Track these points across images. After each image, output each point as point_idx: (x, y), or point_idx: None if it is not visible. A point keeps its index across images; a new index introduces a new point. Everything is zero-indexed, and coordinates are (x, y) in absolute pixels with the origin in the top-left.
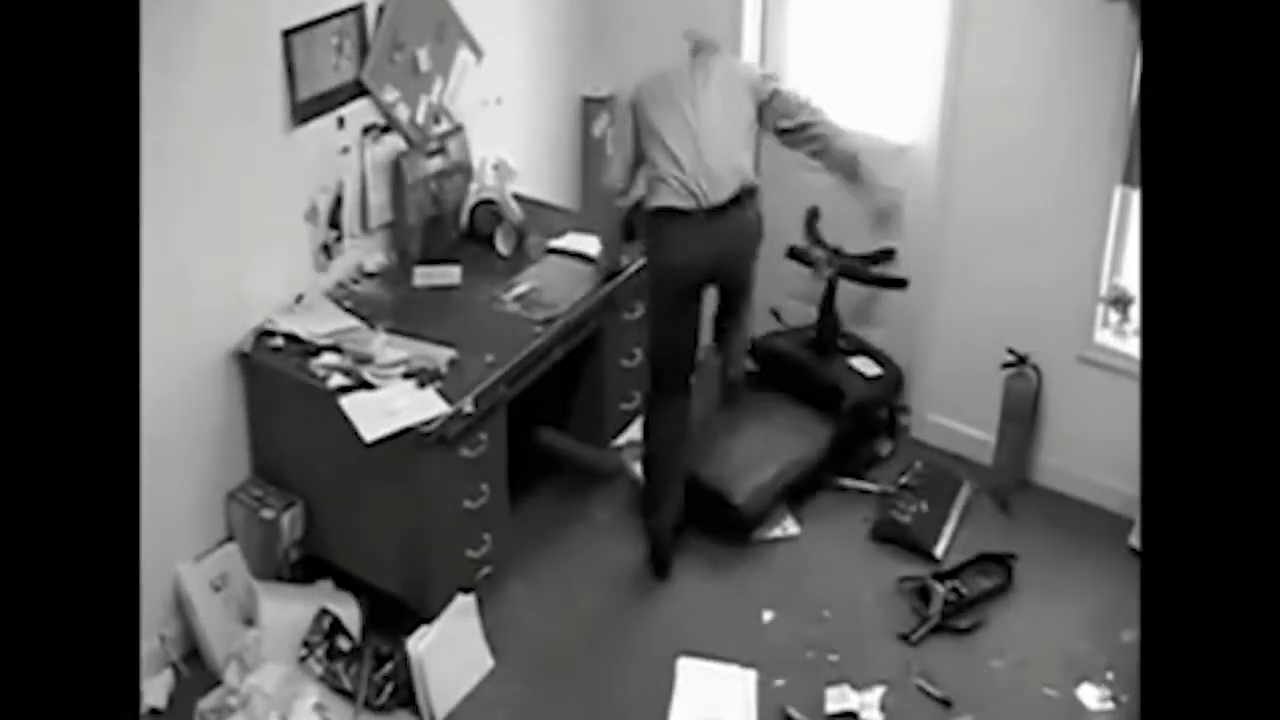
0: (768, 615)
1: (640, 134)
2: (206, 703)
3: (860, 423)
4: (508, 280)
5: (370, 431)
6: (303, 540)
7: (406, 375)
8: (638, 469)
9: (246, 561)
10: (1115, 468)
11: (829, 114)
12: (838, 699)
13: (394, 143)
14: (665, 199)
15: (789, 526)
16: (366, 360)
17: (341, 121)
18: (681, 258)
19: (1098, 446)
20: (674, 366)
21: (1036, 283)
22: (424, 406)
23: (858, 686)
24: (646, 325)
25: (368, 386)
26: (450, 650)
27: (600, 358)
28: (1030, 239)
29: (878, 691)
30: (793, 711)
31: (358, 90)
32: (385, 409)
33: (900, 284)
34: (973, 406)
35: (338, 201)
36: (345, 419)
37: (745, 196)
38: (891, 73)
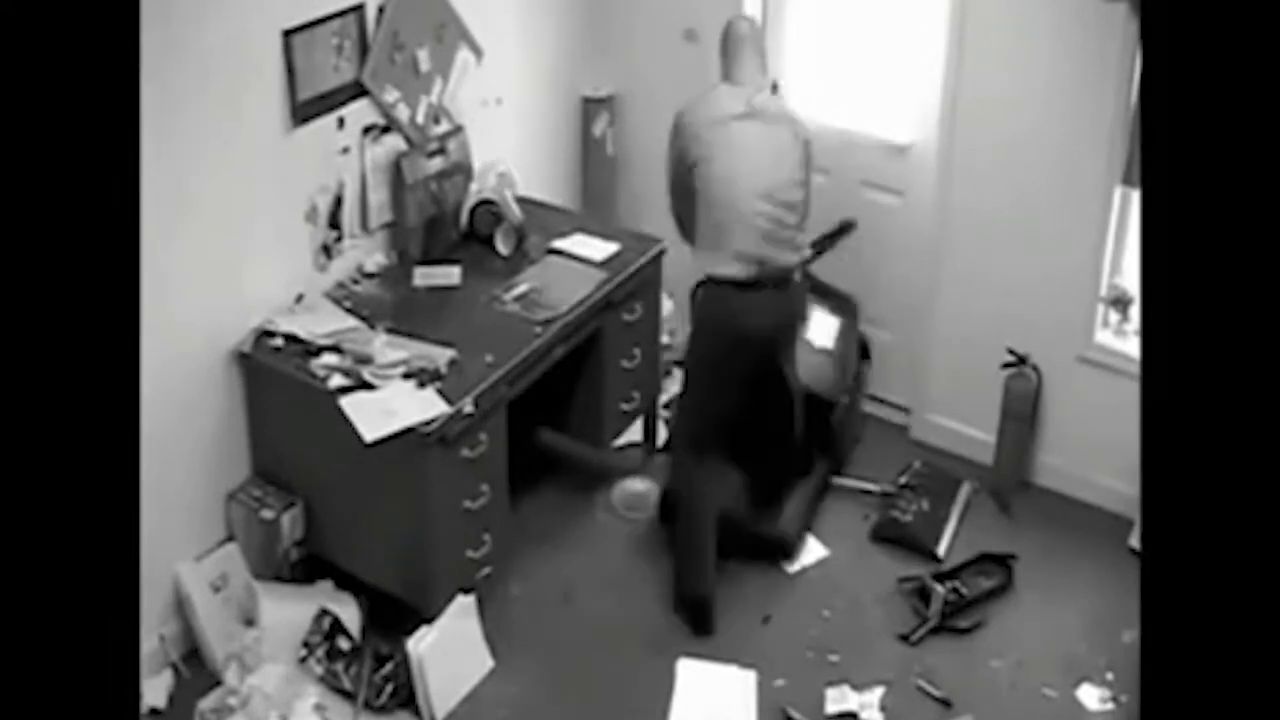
0: (768, 616)
1: (686, 171)
2: (206, 703)
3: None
4: (508, 280)
5: (370, 432)
6: (303, 540)
7: (406, 375)
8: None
9: (246, 561)
10: (1115, 468)
11: None
12: (838, 699)
13: (394, 143)
14: (730, 268)
15: (817, 549)
16: (366, 360)
17: (341, 121)
18: (750, 327)
19: (1098, 446)
20: (716, 435)
21: (1036, 283)
22: (424, 406)
23: (858, 687)
24: (688, 394)
25: (368, 386)
26: (450, 650)
27: (600, 358)
28: (1030, 239)
29: (878, 692)
30: (793, 712)
31: (358, 90)
32: (385, 409)
33: (847, 226)
34: (973, 406)
35: (338, 201)
36: (345, 419)
37: (798, 270)
38: (891, 72)
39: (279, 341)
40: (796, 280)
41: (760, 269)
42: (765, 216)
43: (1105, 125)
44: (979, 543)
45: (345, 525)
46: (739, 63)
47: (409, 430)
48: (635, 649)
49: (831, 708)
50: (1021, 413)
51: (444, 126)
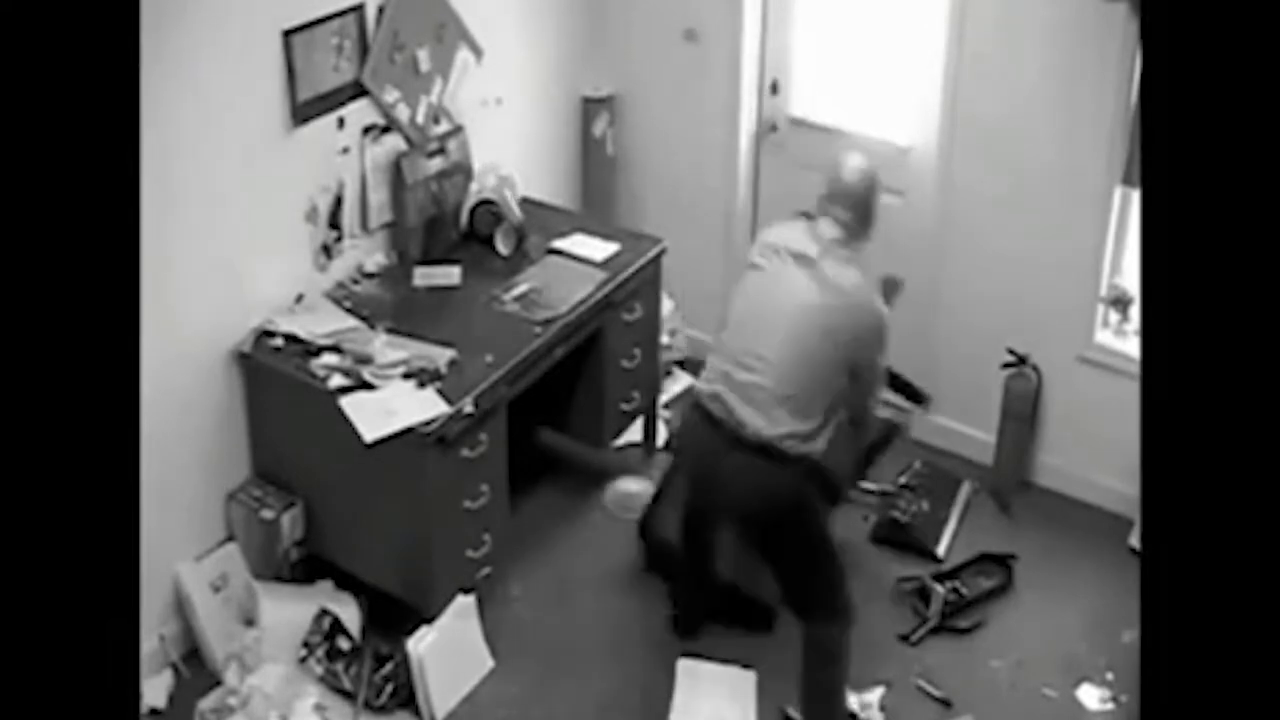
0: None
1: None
2: (206, 703)
3: None
4: (508, 280)
5: (370, 432)
6: (303, 540)
7: (406, 375)
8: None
9: (246, 561)
10: (1115, 468)
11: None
12: None
13: (394, 143)
14: (707, 389)
15: None
16: (366, 360)
17: (341, 121)
18: (690, 462)
19: (1098, 446)
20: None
21: (1036, 283)
22: (424, 407)
23: (858, 687)
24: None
25: (368, 386)
26: (450, 650)
27: (600, 358)
28: (1030, 239)
29: (877, 692)
30: (793, 712)
31: (358, 90)
32: (385, 409)
33: (894, 284)
34: (973, 406)
35: (338, 201)
36: (345, 419)
37: (793, 450)
38: (891, 73)
39: (279, 341)
40: (791, 460)
41: (724, 414)
42: (749, 371)
43: (1105, 125)
44: (979, 543)
45: (345, 525)
46: (829, 209)
47: (409, 430)
48: (635, 649)
49: None
50: (1021, 413)
51: (444, 126)
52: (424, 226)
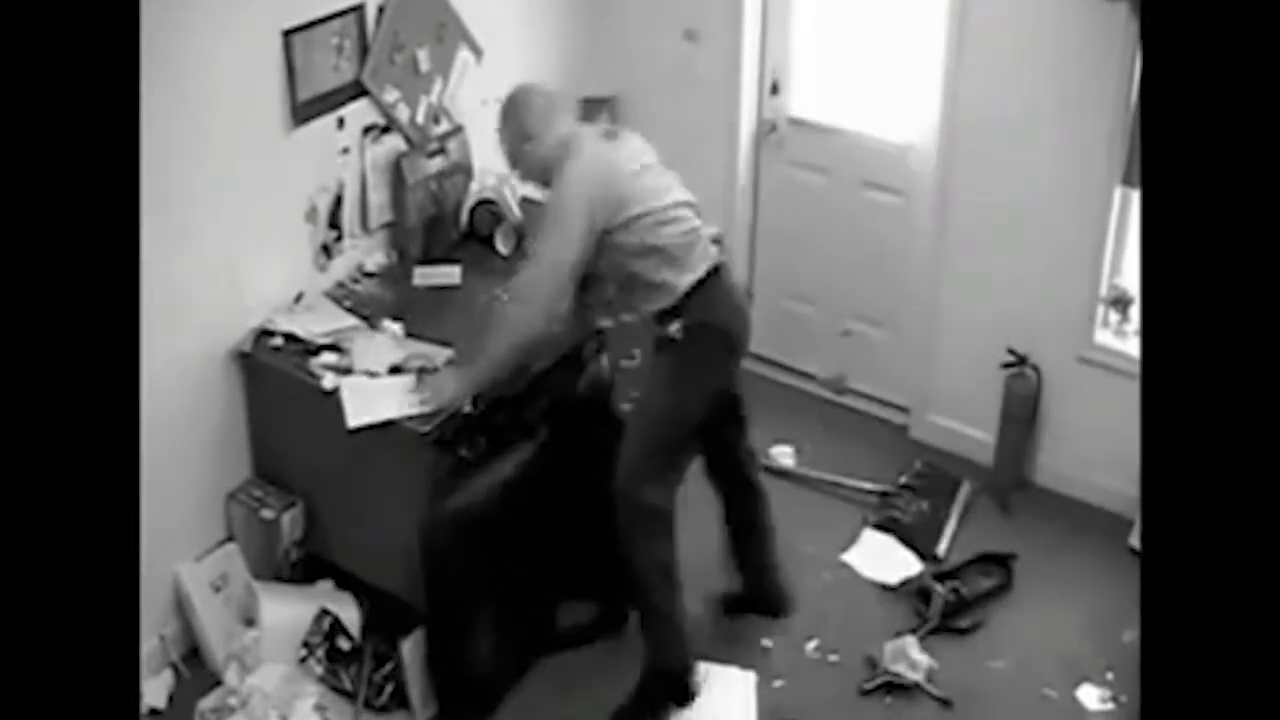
0: (767, 615)
1: None
2: (206, 703)
3: None
4: (508, 280)
5: (355, 418)
6: (303, 540)
7: (398, 371)
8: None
9: (246, 561)
10: (1115, 468)
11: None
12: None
13: (394, 143)
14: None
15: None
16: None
17: (341, 122)
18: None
19: (1098, 446)
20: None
21: (1036, 283)
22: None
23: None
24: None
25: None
26: None
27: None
28: (1030, 239)
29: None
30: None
31: (358, 90)
32: (379, 400)
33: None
34: (973, 406)
35: (338, 201)
36: (345, 419)
37: None
38: (892, 72)
39: (279, 341)
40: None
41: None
42: None
43: (1105, 125)
44: (979, 543)
45: (345, 525)
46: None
47: (407, 429)
48: (635, 650)
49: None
50: (1021, 413)
51: (444, 126)
52: (424, 226)
